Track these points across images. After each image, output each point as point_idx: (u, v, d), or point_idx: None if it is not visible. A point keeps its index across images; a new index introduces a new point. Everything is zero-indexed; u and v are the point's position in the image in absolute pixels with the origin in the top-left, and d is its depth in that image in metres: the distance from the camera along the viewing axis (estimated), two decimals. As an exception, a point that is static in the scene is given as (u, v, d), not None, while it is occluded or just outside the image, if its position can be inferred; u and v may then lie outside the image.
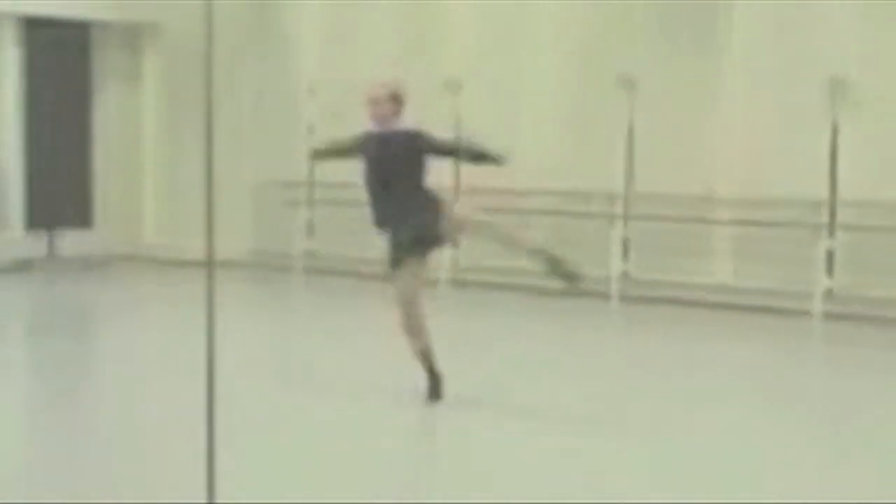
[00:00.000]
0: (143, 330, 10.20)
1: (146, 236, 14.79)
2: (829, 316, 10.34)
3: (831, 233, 10.51)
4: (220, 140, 4.49)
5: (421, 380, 7.06)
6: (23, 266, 13.36)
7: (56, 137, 13.94)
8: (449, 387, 7.01)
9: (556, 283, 7.00)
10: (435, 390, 6.98)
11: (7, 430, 6.86)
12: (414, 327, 6.94)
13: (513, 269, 12.00)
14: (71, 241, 13.87)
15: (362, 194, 7.10)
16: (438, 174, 11.62)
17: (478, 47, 12.26)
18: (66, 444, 6.32)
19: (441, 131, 12.07)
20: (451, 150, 7.37)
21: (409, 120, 7.10)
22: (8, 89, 13.41)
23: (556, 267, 6.84)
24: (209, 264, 4.23)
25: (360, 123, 7.26)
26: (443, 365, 7.02)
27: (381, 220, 6.97)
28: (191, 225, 13.14)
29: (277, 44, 13.66)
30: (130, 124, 14.63)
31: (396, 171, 6.92)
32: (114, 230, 14.41)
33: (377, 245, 7.71)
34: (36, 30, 13.57)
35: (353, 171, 7.38)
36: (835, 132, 10.46)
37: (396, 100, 6.97)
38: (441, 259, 11.99)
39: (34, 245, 13.56)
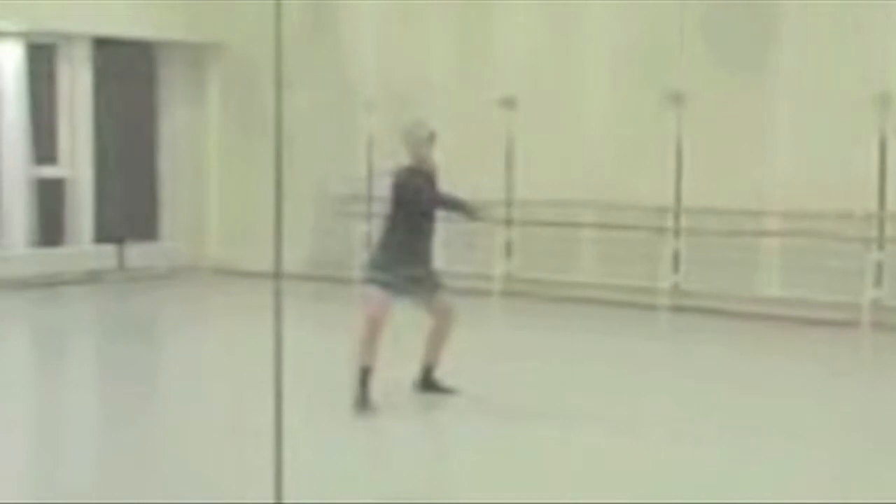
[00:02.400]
0: (210, 338, 10.49)
1: (210, 248, 15.12)
2: (877, 326, 10.44)
3: (881, 245, 10.59)
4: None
5: (473, 389, 7.30)
6: (92, 277, 13.79)
7: (124, 153, 14.36)
8: (497, 397, 7.19)
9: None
10: (363, 401, 7.14)
11: (81, 432, 7.20)
12: (375, 349, 7.19)
13: (563, 281, 12.24)
14: (138, 254, 14.26)
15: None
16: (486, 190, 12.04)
17: (531, 66, 12.48)
18: (136, 447, 6.59)
19: (494, 147, 12.52)
20: None
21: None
22: (79, 107, 13.85)
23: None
24: (276, 276, 4.39)
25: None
26: (494, 373, 7.17)
27: (421, 256, 7.26)
28: (254, 237, 13.48)
29: (336, 59, 13.92)
30: (195, 140, 15.03)
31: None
32: (179, 242, 14.80)
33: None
34: (105, 50, 13.99)
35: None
36: (883, 146, 10.56)
37: None
38: (494, 271, 12.25)
39: (103, 257, 13.95)
